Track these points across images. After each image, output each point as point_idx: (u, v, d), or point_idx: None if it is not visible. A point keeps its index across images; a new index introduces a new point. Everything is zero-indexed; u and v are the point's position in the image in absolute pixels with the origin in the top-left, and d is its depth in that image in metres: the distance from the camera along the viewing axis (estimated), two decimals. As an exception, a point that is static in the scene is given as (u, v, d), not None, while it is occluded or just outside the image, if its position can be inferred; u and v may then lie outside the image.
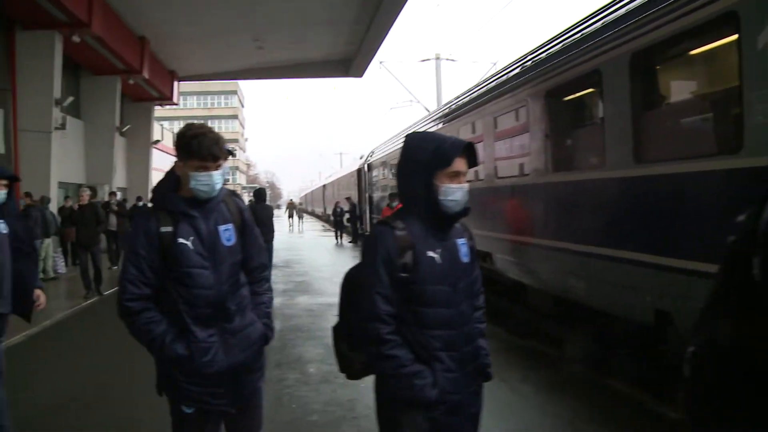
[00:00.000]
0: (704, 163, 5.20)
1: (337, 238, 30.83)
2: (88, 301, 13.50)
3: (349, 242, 29.29)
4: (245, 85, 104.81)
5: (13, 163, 18.25)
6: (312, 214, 72.91)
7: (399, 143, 19.89)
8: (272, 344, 3.68)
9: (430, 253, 2.81)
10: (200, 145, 3.14)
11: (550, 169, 8.20)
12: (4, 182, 5.15)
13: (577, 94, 7.88)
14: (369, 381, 3.01)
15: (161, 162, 31.35)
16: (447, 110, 13.98)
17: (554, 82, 8.02)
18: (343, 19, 23.37)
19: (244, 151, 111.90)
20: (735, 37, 4.87)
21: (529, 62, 9.10)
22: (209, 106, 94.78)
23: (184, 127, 3.23)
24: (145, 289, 3.14)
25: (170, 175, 3.31)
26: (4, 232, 4.99)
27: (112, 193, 21.57)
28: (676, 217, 5.54)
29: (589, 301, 7.26)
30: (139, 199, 23.19)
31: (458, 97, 13.55)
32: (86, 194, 14.58)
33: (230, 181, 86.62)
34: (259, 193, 14.87)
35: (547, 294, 8.74)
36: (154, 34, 24.16)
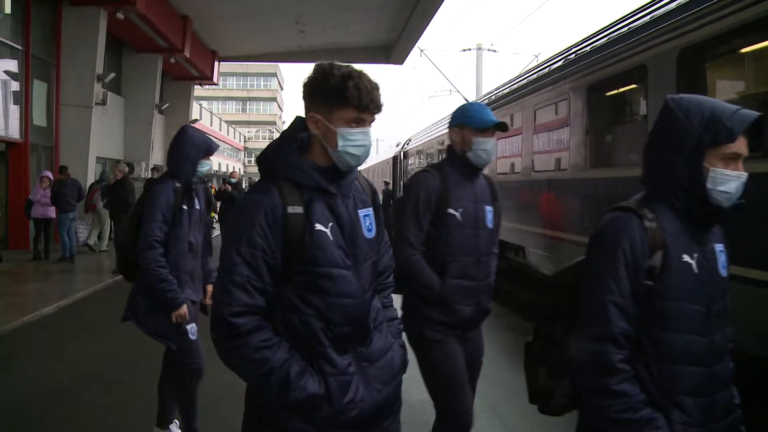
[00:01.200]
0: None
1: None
2: (118, 276, 13.69)
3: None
4: (285, 68, 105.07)
5: (54, 137, 18.57)
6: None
7: (436, 132, 19.81)
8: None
9: (686, 258, 2.11)
10: (359, 89, 2.21)
11: (588, 165, 8.08)
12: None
13: (620, 90, 7.73)
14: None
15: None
16: (487, 100, 13.84)
17: (597, 77, 7.88)
18: (386, 5, 23.27)
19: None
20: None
21: (572, 55, 8.95)
22: (248, 87, 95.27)
23: (323, 66, 2.26)
24: (260, 299, 2.20)
25: (292, 132, 2.36)
26: (197, 207, 4.56)
27: (154, 169, 21.85)
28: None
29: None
30: (155, 169, 22.44)
31: (498, 88, 13.42)
32: (119, 170, 14.78)
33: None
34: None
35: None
36: (197, 14, 24.32)
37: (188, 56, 25.86)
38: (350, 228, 2.33)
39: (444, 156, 3.75)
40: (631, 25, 7.28)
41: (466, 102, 3.81)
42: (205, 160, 4.45)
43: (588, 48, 8.41)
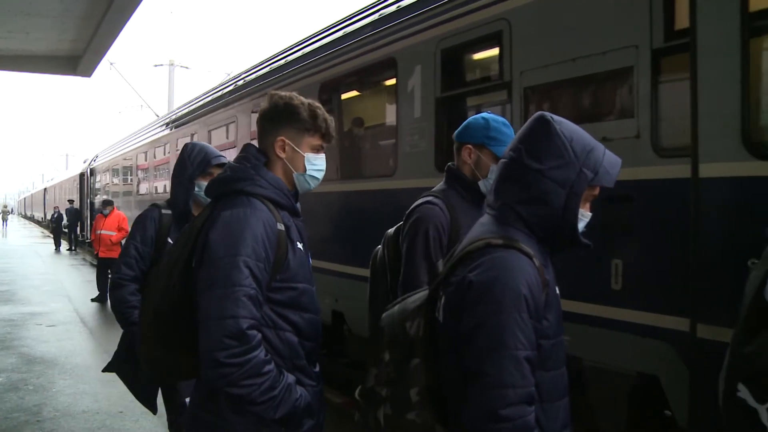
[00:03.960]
0: (369, 183, 6.11)
1: (56, 245, 28.93)
2: None
3: (68, 250, 27.66)
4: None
5: None
6: (31, 219, 67.49)
7: (125, 148, 19.45)
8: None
9: (557, 290, 1.97)
10: (326, 121, 2.44)
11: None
12: None
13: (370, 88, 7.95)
14: (63, 385, 2.67)
15: None
16: (174, 116, 14.08)
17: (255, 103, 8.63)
18: (70, 14, 22.13)
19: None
20: (393, 80, 5.82)
21: (241, 82, 9.66)
22: None
23: (290, 96, 2.42)
24: (260, 313, 2.21)
25: (255, 155, 2.43)
26: None
27: None
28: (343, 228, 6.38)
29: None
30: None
31: (184, 105, 13.76)
32: None
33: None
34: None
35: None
36: None
37: None
38: (306, 247, 2.47)
39: (443, 178, 3.02)
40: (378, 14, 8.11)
41: (483, 114, 2.97)
42: (204, 181, 3.57)
43: (253, 76, 9.09)
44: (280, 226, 2.29)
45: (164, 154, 14.37)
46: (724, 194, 3.31)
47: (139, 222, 3.68)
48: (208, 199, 3.45)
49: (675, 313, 3.46)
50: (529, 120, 1.98)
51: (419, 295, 2.09)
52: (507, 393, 1.70)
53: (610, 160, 1.92)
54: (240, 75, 10.21)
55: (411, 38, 5.62)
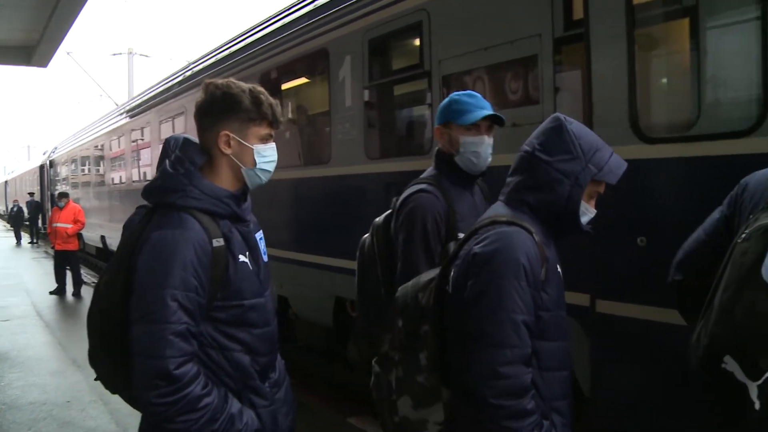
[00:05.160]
0: (307, 171, 6.25)
1: (17, 239, 28.59)
2: None
3: (29, 243, 27.37)
4: None
5: None
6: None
7: (83, 139, 19.29)
8: None
9: (558, 268, 2.14)
10: (271, 106, 2.19)
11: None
12: None
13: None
14: (12, 378, 2.53)
15: None
16: (129, 106, 14.04)
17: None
18: (21, 2, 21.83)
19: None
20: (326, 70, 5.96)
21: (189, 72, 9.70)
22: None
23: (228, 84, 2.17)
24: (195, 343, 2.04)
25: (190, 157, 2.19)
26: None
27: None
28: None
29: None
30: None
31: (139, 95, 13.73)
32: None
33: None
34: None
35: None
36: None
37: None
38: (257, 253, 2.28)
39: (432, 164, 3.00)
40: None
41: (453, 94, 2.93)
42: None
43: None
44: (218, 242, 2.07)
45: (120, 146, 14.33)
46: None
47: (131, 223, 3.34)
48: None
49: (576, 289, 3.65)
50: (546, 120, 2.17)
51: (432, 272, 2.26)
52: (505, 352, 1.87)
53: (615, 162, 2.09)
54: (189, 65, 10.23)
55: (341, 29, 5.76)
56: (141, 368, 1.95)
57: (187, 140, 2.26)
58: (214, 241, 2.06)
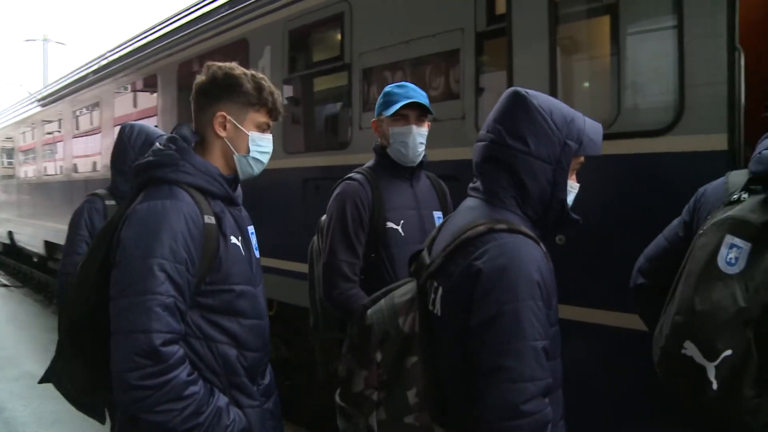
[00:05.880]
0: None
1: None
2: None
3: None
4: None
5: None
6: None
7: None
8: None
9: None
10: (272, 94, 2.11)
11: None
12: None
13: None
14: None
15: None
16: (45, 94, 13.39)
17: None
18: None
19: None
20: (246, 61, 5.76)
21: (104, 61, 9.31)
22: None
23: (230, 67, 2.08)
24: (182, 325, 1.88)
25: (183, 136, 2.07)
26: None
27: None
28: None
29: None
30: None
31: (51, 84, 13.15)
32: None
33: None
34: None
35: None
36: None
37: None
38: (248, 242, 2.15)
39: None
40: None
41: None
42: None
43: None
44: (209, 219, 1.94)
45: (33, 137, 13.67)
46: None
47: (82, 215, 3.20)
48: None
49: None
50: (503, 98, 1.87)
51: (406, 288, 1.90)
52: (528, 387, 1.60)
53: (591, 127, 1.86)
54: (105, 54, 9.82)
55: (261, 19, 5.57)
56: (122, 346, 1.76)
57: (179, 123, 2.14)
58: (205, 217, 1.93)
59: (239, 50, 5.91)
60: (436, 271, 1.82)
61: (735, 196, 2.04)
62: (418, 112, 2.78)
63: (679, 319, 1.97)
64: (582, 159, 1.90)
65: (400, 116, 2.76)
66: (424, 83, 4.25)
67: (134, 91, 8.20)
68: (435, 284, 1.81)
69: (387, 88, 2.85)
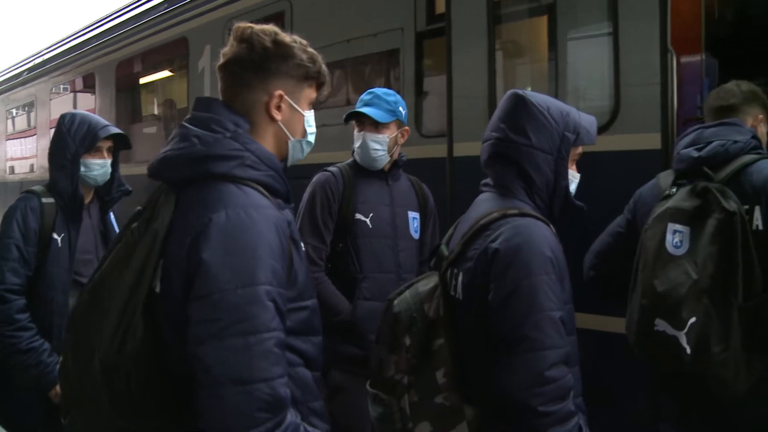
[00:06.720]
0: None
1: None
2: None
3: None
4: None
5: None
6: None
7: None
8: None
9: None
10: (322, 62, 1.75)
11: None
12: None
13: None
14: None
15: None
16: None
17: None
18: None
19: None
20: (185, 60, 5.67)
21: (40, 59, 9.06)
22: None
23: (274, 30, 1.68)
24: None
25: (234, 120, 1.63)
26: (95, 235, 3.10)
27: None
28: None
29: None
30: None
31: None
32: None
33: None
34: None
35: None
36: None
37: None
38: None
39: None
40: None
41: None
42: (92, 159, 2.88)
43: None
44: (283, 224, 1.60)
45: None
46: (474, 170, 3.47)
47: (14, 214, 2.84)
48: (99, 183, 2.96)
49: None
50: (504, 100, 2.01)
51: (429, 279, 2.01)
52: (549, 354, 1.72)
53: (586, 120, 2.00)
54: (41, 51, 9.54)
55: (201, 17, 5.48)
56: (235, 401, 1.38)
57: (211, 99, 1.69)
58: (285, 224, 1.59)
59: (179, 49, 5.81)
60: (456, 259, 1.96)
61: (667, 192, 2.35)
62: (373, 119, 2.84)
63: (646, 302, 2.23)
64: (580, 150, 2.05)
65: (358, 122, 2.89)
66: (364, 82, 4.23)
67: (72, 90, 7.99)
68: (455, 271, 1.95)
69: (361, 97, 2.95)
